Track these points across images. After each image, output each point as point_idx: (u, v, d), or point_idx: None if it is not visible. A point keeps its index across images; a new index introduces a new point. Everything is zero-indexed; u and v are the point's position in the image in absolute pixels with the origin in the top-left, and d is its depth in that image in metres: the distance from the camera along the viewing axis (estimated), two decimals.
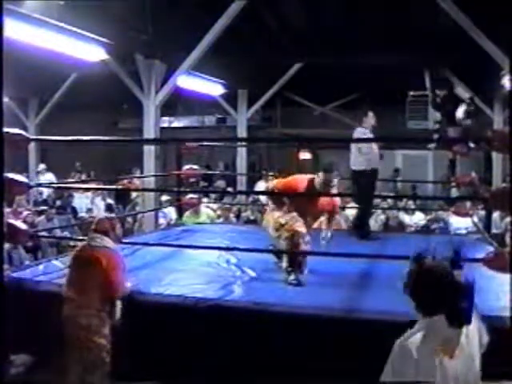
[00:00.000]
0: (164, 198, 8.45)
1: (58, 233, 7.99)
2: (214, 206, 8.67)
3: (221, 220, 8.11)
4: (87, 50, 6.52)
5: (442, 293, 1.66)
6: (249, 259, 4.37)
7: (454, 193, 8.06)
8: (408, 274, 1.76)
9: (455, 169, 7.77)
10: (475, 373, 1.70)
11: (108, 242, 3.20)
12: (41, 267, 4.23)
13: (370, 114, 5.88)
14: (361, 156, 5.65)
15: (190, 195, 7.01)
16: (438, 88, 6.42)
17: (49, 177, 12.26)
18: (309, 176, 4.14)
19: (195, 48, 6.87)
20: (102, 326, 3.04)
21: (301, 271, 3.86)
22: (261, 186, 11.29)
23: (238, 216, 9.24)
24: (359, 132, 5.74)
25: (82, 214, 9.89)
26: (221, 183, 12.04)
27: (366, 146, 5.59)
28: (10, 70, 2.46)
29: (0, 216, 2.80)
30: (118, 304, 3.16)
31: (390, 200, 9.40)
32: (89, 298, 3.07)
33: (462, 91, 6.05)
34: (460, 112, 5.99)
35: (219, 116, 14.09)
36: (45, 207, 9.03)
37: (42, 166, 12.58)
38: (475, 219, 6.89)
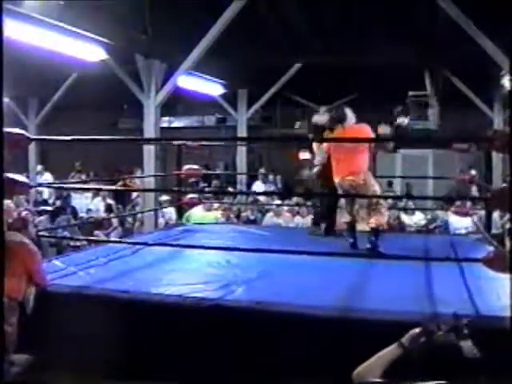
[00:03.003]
0: (164, 197, 8.45)
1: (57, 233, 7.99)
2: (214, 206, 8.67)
3: (222, 220, 8.12)
4: (87, 50, 6.53)
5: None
6: (250, 259, 4.37)
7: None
8: (417, 345, 1.80)
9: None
10: None
11: (23, 237, 3.38)
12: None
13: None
14: None
15: (191, 195, 7.03)
16: None
17: (47, 177, 12.28)
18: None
19: (195, 48, 6.87)
20: (11, 314, 3.13)
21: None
22: (257, 185, 11.29)
23: (238, 216, 9.25)
24: None
25: (82, 214, 9.90)
26: (215, 183, 12.02)
27: None
28: (10, 69, 2.45)
29: (0, 216, 2.80)
30: (32, 294, 3.31)
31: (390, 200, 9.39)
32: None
33: None
34: None
35: (219, 116, 14.10)
36: (45, 207, 9.03)
37: (39, 167, 12.59)
38: (475, 219, 6.90)
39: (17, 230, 3.42)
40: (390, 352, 1.90)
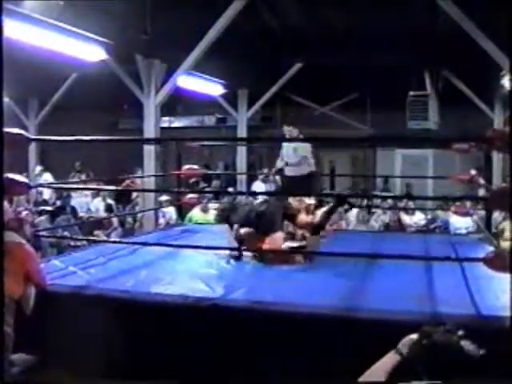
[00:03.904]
0: (164, 197, 8.44)
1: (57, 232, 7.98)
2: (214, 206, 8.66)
3: None
4: (87, 50, 6.52)
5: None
6: (248, 258, 4.38)
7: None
8: (417, 345, 1.78)
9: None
10: None
11: (19, 237, 3.35)
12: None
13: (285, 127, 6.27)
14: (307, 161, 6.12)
15: (190, 195, 7.03)
16: None
17: (47, 177, 12.26)
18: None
19: (195, 48, 6.87)
20: (8, 314, 3.11)
21: None
22: (257, 185, 11.28)
23: None
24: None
25: (82, 214, 9.89)
26: (216, 183, 12.01)
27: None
28: (10, 69, 2.46)
29: (0, 216, 2.80)
30: (32, 294, 3.27)
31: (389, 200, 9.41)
32: None
33: None
34: None
35: (219, 116, 14.08)
36: (45, 207, 9.02)
37: (38, 168, 12.56)
38: (475, 218, 6.89)
39: (12, 230, 3.40)
40: (388, 360, 1.88)
